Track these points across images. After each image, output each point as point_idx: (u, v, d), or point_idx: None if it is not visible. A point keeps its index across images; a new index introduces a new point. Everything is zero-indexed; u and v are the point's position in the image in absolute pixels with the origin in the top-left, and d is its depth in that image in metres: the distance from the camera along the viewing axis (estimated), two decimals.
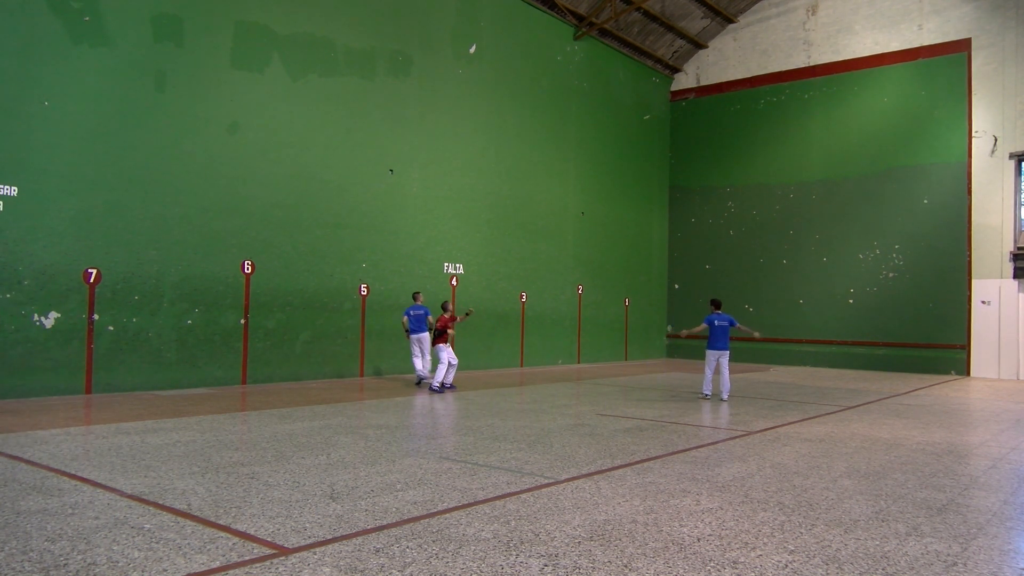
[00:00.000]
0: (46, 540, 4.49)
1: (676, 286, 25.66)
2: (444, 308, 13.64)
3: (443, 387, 13.30)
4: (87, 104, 11.81)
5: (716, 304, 13.42)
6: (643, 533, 4.87)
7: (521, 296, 19.80)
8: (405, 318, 14.24)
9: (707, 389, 13.18)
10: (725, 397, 12.91)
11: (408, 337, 14.34)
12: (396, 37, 16.60)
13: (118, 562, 4.14)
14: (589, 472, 6.72)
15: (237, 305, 13.62)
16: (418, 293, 14.82)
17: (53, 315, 11.38)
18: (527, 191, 20.11)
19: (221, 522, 4.91)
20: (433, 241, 17.41)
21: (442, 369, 13.22)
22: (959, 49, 20.41)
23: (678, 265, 25.67)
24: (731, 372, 13.76)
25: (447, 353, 13.28)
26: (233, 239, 13.59)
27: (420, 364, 14.27)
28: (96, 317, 11.83)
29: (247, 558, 4.24)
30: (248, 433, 8.50)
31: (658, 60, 24.87)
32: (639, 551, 4.50)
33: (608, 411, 11.13)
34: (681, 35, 24.18)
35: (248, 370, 13.78)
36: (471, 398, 12.67)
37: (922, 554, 4.61)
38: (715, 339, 12.93)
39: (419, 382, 14.31)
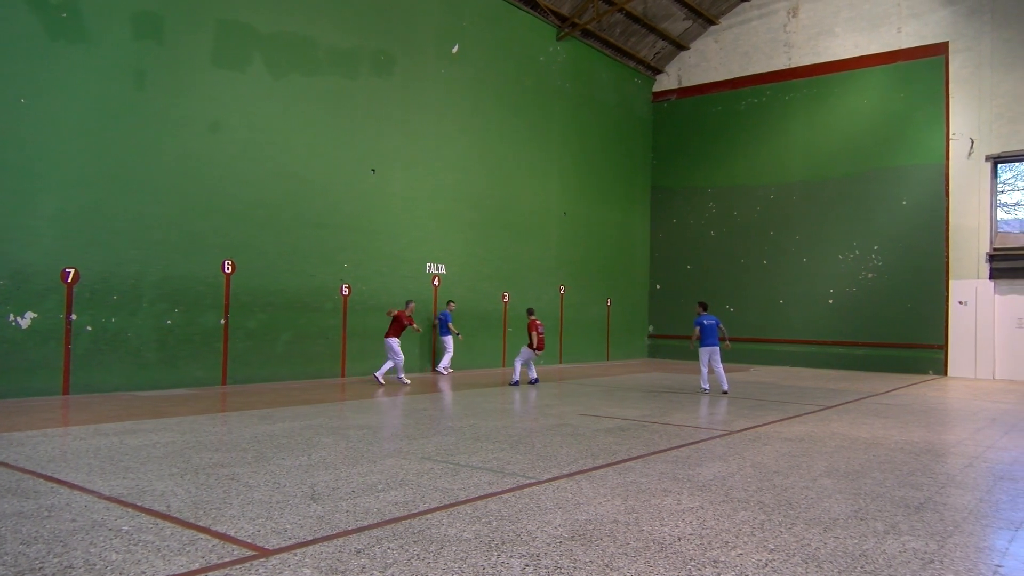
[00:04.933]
0: (21, 543, 4.42)
1: (658, 287, 25.76)
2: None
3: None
4: (65, 102, 11.67)
5: (703, 306, 14.62)
6: (624, 533, 4.87)
7: (503, 296, 19.80)
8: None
9: (705, 384, 14.24)
10: (726, 388, 14.00)
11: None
12: (379, 37, 16.56)
13: (95, 565, 4.09)
14: (571, 472, 6.72)
15: (217, 305, 13.52)
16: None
17: (30, 315, 11.24)
18: (510, 191, 20.12)
19: (201, 524, 4.87)
20: (415, 241, 17.37)
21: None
22: (937, 52, 20.64)
23: (660, 266, 25.78)
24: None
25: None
26: (214, 239, 13.49)
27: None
28: (74, 317, 11.70)
29: (227, 560, 4.20)
30: (228, 434, 8.44)
31: (640, 61, 24.97)
32: (620, 551, 4.51)
33: (590, 411, 11.14)
34: (663, 36, 24.28)
35: (228, 371, 13.68)
36: (453, 398, 12.66)
37: (900, 552, 4.64)
38: (707, 337, 14.08)
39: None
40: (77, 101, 11.81)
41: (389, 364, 14.43)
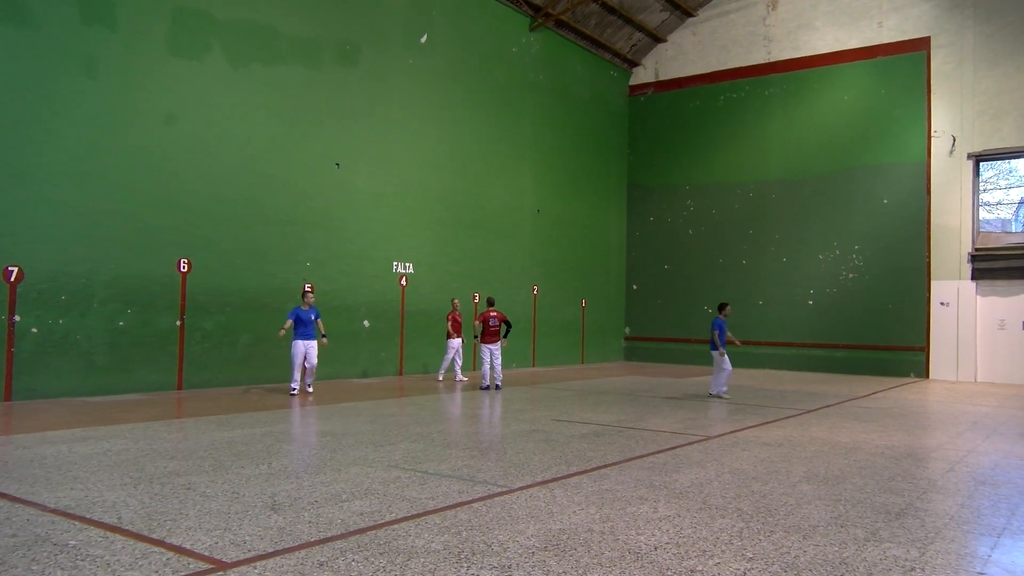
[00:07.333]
0: None
1: (634, 287, 25.59)
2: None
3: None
4: (8, 89, 11.23)
5: (720, 308, 14.51)
6: (599, 542, 4.80)
7: (474, 297, 19.49)
8: None
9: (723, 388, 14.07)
10: (712, 392, 14.05)
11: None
12: (344, 25, 16.19)
13: None
14: (544, 480, 6.61)
15: (173, 306, 13.11)
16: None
17: None
18: (480, 187, 19.84)
19: (154, 536, 4.73)
20: (381, 239, 17.02)
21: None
22: (918, 48, 20.59)
23: (636, 265, 25.59)
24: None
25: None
26: (169, 236, 13.08)
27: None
28: (18, 318, 11.23)
29: (182, 574, 4.08)
30: (184, 441, 8.24)
31: (616, 54, 24.81)
32: (595, 561, 4.43)
33: (564, 416, 11.00)
34: (640, 28, 24.15)
35: (184, 374, 13.27)
36: (421, 403, 12.48)
37: (880, 559, 4.58)
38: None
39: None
40: (21, 89, 11.34)
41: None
